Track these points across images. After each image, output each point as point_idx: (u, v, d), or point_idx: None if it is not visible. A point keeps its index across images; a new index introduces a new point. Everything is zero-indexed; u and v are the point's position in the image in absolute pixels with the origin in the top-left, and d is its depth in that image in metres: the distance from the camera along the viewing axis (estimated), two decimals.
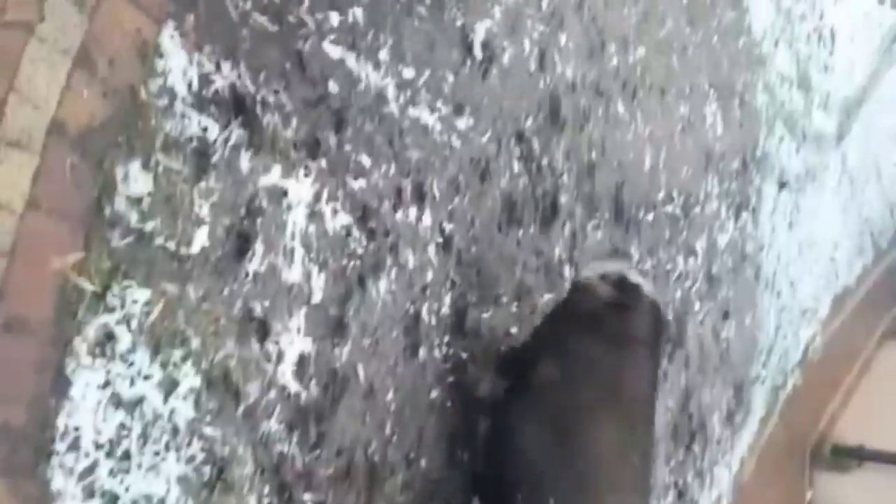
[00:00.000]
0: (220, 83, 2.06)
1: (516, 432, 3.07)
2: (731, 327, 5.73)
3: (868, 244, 9.23)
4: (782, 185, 6.45)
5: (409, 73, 2.80)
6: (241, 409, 2.18)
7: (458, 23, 3.03)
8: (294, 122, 2.30)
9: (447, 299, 3.10)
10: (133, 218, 1.85)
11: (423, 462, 2.95)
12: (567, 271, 3.94)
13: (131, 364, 1.89)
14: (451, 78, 3.02)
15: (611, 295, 3.17)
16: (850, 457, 7.84)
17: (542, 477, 2.98)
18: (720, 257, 5.49)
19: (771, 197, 6.28)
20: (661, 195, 4.72)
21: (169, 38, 1.92)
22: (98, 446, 1.84)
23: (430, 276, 3.00)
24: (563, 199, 3.86)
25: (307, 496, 2.44)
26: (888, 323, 10.60)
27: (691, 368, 5.15)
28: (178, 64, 1.94)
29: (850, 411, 8.51)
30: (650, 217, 4.62)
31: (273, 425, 2.30)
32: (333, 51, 2.45)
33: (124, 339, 1.87)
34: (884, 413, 8.36)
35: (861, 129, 8.71)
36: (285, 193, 2.27)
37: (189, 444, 2.04)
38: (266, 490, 2.29)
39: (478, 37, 3.15)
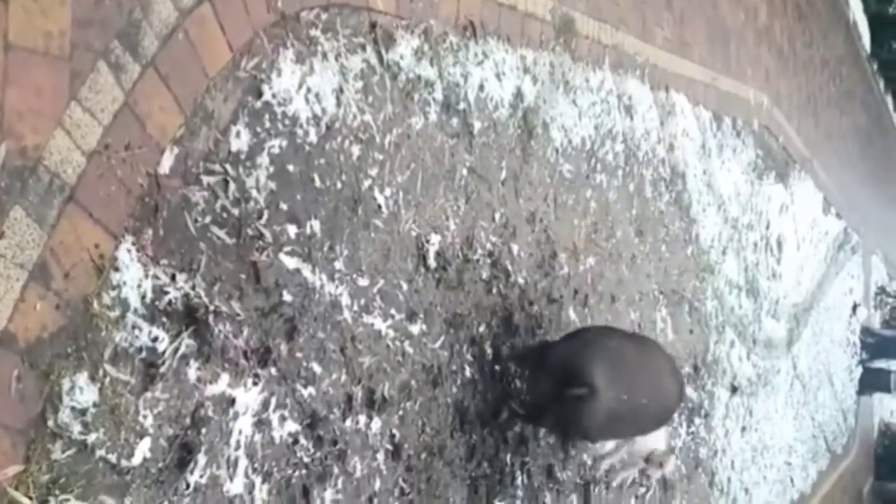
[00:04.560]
0: (173, 294, 2.10)
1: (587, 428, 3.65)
2: None
3: (822, 449, 9.26)
4: (734, 389, 6.53)
5: (363, 281, 2.86)
6: None
7: (413, 234, 3.14)
8: (246, 331, 2.33)
9: None
10: (76, 429, 1.84)
11: None
12: (519, 477, 3.92)
13: None
14: (405, 286, 3.10)
15: None
16: None
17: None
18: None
19: (723, 401, 6.34)
20: None
21: (126, 252, 1.97)
22: None
23: (378, 484, 2.96)
24: (515, 404, 3.88)
25: None
26: None
27: None
28: (133, 276, 1.98)
29: None
30: None
31: None
32: (289, 261, 2.52)
33: None
34: None
35: (811, 334, 8.93)
36: (232, 402, 2.27)
37: None
38: None
39: (432, 247, 3.26)
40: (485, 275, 3.64)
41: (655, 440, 4.34)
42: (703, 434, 5.94)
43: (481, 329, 3.63)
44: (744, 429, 6.69)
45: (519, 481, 3.90)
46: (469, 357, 3.53)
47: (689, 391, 5.73)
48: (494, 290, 3.71)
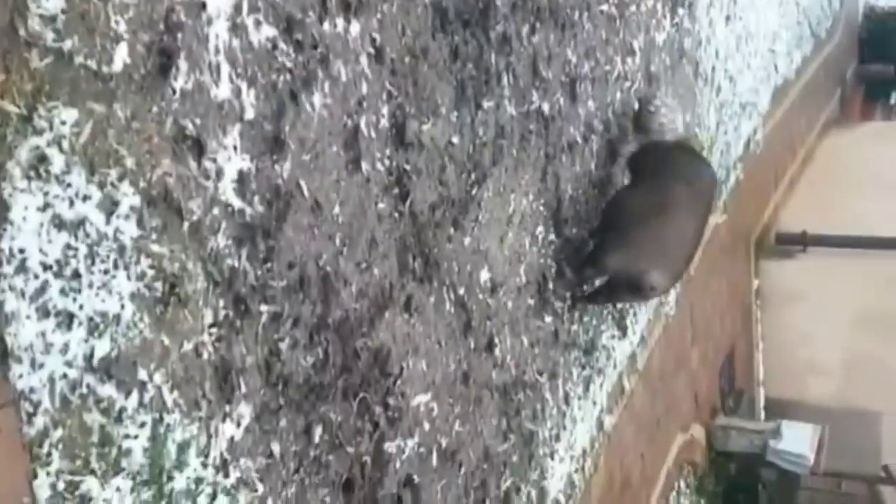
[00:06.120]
0: None
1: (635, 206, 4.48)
2: None
3: (807, 35, 9.25)
4: None
5: None
6: (185, 225, 2.22)
7: None
8: None
9: (385, 111, 3.10)
10: (49, 37, 1.82)
11: (375, 270, 3.03)
12: (505, 77, 3.94)
13: (68, 185, 1.91)
14: None
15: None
16: (793, 243, 8.13)
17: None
18: (658, 55, 5.49)
19: None
20: None
21: None
22: (46, 267, 1.88)
23: (364, 88, 2.99)
24: (497, 2, 3.81)
25: (263, 308, 2.51)
26: (829, 113, 10.79)
27: None
28: None
29: (793, 200, 8.78)
30: (586, 18, 4.59)
31: (221, 241, 2.34)
32: None
33: (57, 161, 1.88)
34: (826, 199, 8.64)
35: None
36: (203, 6, 2.23)
37: (137, 261, 2.08)
38: (221, 303, 2.36)
39: None
40: None
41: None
42: (687, 24, 5.90)
43: None
44: (728, 17, 6.64)
45: (505, 81, 3.93)
46: None
47: None
48: None
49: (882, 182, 8.67)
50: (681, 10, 5.76)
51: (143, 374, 2.12)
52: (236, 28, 2.35)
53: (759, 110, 7.66)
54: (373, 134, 3.04)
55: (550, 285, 4.43)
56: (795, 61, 8.79)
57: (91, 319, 1.98)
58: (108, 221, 2.00)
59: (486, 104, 3.78)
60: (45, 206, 1.86)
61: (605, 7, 4.75)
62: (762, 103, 7.72)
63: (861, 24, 12.86)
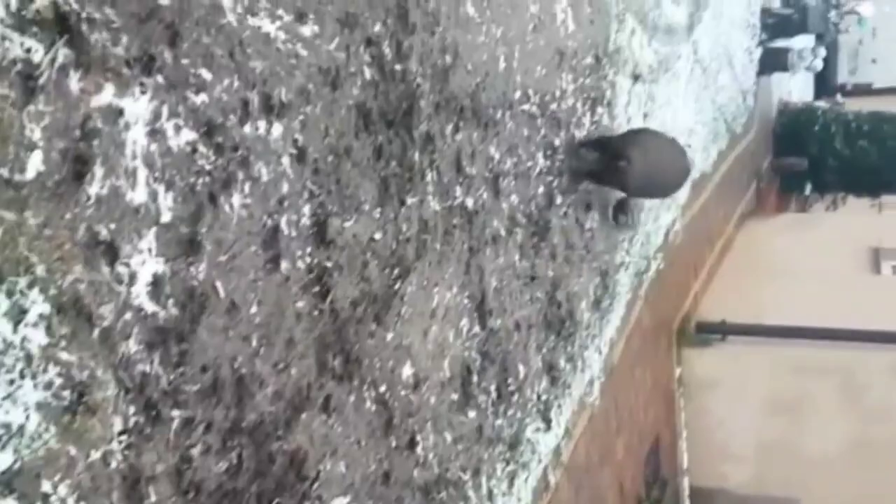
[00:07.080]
0: (40, 2, 1.99)
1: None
2: (594, 218, 5.93)
3: (723, 130, 9.59)
4: (636, 77, 6.61)
5: None
6: (96, 332, 2.18)
7: None
8: (124, 38, 2.25)
9: (306, 210, 3.12)
10: None
11: (293, 371, 3.00)
12: (429, 174, 4.00)
13: None
14: None
15: None
16: (713, 332, 8.29)
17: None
18: None
19: (625, 90, 6.45)
20: (517, 95, 4.80)
21: None
22: None
23: (286, 188, 3.00)
24: (421, 103, 3.89)
25: (175, 413, 2.46)
26: (745, 205, 11.14)
27: (558, 260, 5.33)
28: None
29: (712, 290, 8.98)
30: (508, 116, 4.70)
31: (132, 346, 2.31)
32: None
33: None
34: (743, 289, 8.86)
35: (711, 18, 8.96)
36: (121, 113, 2.23)
37: (45, 370, 2.04)
38: (132, 410, 2.31)
39: None
40: None
41: None
42: (606, 122, 6.08)
43: (377, 28, 3.55)
44: (646, 115, 6.86)
45: (429, 178, 3.98)
46: (367, 58, 3.48)
47: (591, 81, 5.80)
48: None
49: (795, 272, 8.94)
50: (600, 109, 5.94)
51: (46, 487, 2.06)
52: (155, 133, 2.36)
53: (677, 202, 7.88)
54: (293, 232, 3.05)
55: (475, 378, 4.43)
56: (712, 156, 9.09)
57: None
58: (15, 330, 1.96)
59: (410, 200, 3.82)
60: None
61: (526, 106, 4.88)
62: (681, 196, 7.94)
63: (775, 119, 13.38)
